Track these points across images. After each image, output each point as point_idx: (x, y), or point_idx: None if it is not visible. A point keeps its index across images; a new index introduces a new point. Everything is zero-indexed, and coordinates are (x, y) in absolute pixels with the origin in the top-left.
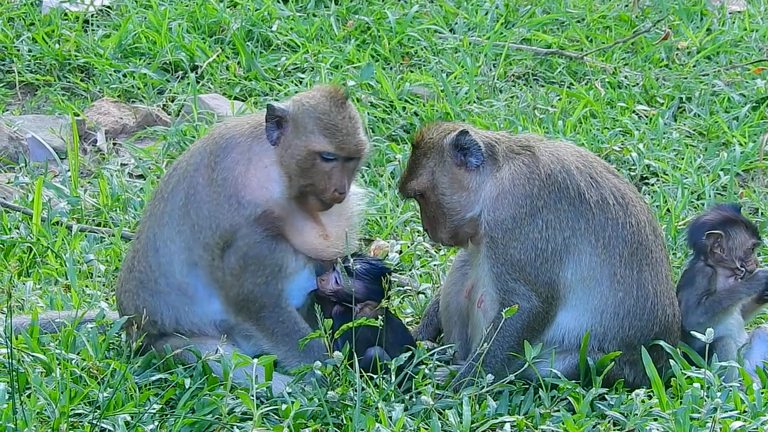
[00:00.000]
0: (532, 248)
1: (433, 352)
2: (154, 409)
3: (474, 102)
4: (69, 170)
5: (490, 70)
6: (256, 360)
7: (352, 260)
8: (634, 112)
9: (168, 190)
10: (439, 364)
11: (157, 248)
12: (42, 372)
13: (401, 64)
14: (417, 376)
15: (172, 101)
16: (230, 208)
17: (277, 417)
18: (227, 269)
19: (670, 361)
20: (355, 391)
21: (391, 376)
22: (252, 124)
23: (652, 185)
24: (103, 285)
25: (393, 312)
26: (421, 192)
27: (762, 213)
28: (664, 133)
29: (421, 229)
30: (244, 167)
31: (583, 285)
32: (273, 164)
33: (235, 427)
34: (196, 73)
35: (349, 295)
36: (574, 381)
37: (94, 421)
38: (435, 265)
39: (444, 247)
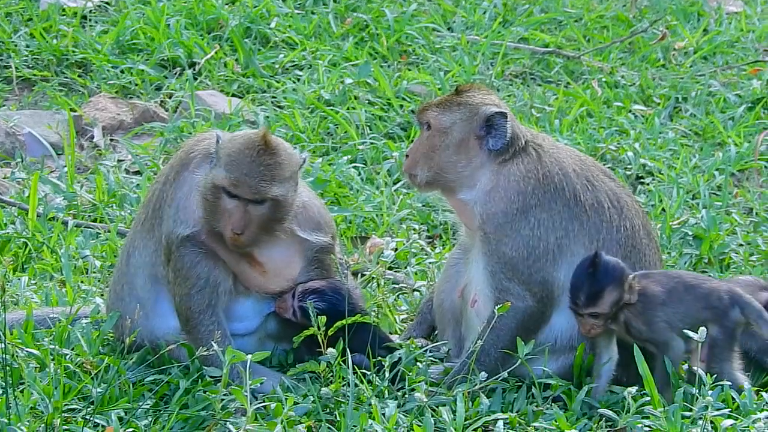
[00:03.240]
0: (524, 246)
1: (426, 349)
2: (147, 405)
3: None
4: (65, 166)
5: (488, 68)
6: (250, 356)
7: (308, 302)
8: (630, 111)
9: (147, 197)
10: (433, 361)
11: (129, 255)
12: (36, 367)
13: (399, 62)
14: (411, 373)
15: (170, 98)
16: (171, 223)
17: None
18: (169, 280)
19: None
20: (348, 387)
21: (384, 373)
22: (209, 143)
23: (648, 185)
24: (99, 281)
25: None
26: (431, 126)
27: (756, 213)
28: (660, 133)
29: (416, 226)
30: (189, 188)
31: None
32: None
33: (228, 423)
34: (194, 69)
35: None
36: (567, 380)
37: (88, 417)
38: (430, 262)
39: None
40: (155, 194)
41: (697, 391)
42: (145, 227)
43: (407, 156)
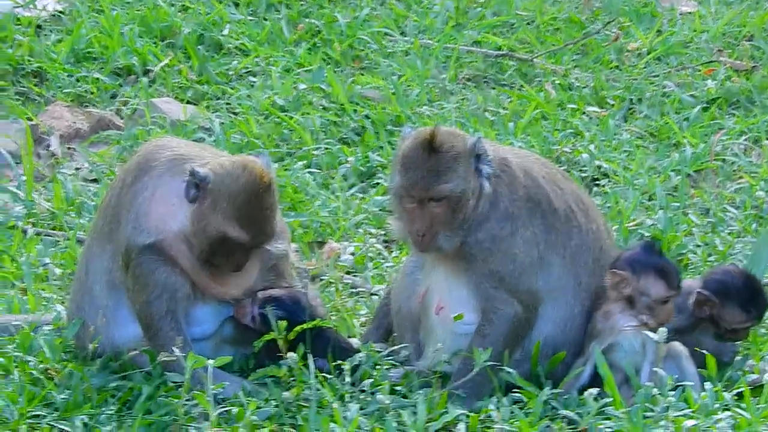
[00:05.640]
0: (511, 261)
1: (386, 352)
2: (111, 410)
3: (425, 104)
4: (24, 175)
5: (441, 72)
6: (211, 361)
7: (269, 309)
8: (584, 113)
9: (103, 203)
10: (393, 364)
11: (87, 263)
12: (0, 374)
13: (352, 67)
14: (376, 374)
15: (125, 105)
16: (130, 230)
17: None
18: (128, 287)
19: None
20: (310, 391)
21: (345, 377)
22: (173, 154)
23: (603, 186)
24: (59, 288)
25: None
26: (449, 196)
27: (713, 213)
28: (615, 134)
29: (373, 230)
30: (150, 194)
31: (550, 296)
32: (180, 205)
33: (191, 427)
34: (149, 77)
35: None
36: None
37: (53, 423)
38: (388, 266)
39: (414, 249)
40: (112, 200)
41: (659, 391)
42: (102, 233)
43: (423, 235)
